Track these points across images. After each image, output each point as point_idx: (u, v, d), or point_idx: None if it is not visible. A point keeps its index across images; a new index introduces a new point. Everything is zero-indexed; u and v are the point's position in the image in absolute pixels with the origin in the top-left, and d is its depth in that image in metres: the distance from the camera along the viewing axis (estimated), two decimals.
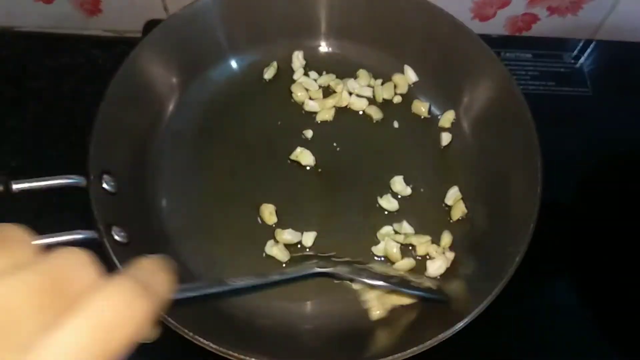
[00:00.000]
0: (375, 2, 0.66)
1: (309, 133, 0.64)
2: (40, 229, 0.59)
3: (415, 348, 0.46)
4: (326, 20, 0.68)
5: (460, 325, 0.47)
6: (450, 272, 0.57)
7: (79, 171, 0.52)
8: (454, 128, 0.65)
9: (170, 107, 0.65)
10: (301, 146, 0.63)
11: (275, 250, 0.57)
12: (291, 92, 0.67)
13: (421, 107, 0.66)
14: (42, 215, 0.64)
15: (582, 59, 0.75)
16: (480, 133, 0.64)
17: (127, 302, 0.24)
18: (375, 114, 0.66)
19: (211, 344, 0.45)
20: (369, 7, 0.66)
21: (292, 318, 0.55)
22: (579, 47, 0.77)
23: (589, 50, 0.76)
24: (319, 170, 0.63)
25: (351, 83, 0.67)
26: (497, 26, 0.79)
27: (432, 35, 0.65)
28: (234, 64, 0.69)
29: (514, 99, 0.58)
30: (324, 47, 0.70)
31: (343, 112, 0.67)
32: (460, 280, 0.56)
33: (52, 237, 0.47)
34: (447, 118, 0.65)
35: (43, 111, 0.71)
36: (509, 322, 0.59)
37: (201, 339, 0.45)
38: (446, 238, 0.59)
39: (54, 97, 0.72)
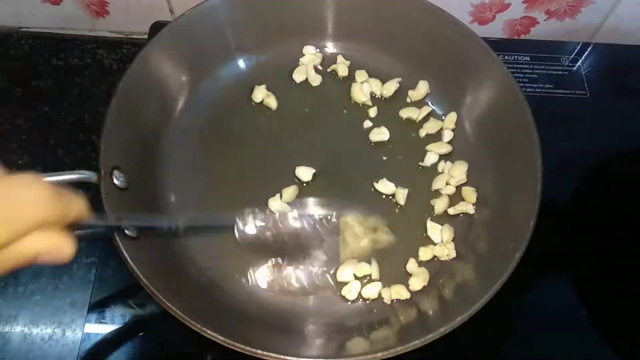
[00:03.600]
0: (381, 4, 0.67)
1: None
2: None
3: (417, 342, 0.47)
4: (333, 21, 0.69)
5: (460, 318, 0.48)
6: (450, 268, 0.58)
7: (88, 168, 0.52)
8: (456, 128, 0.66)
9: (180, 104, 0.66)
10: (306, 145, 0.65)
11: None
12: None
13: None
14: None
15: (579, 62, 0.76)
16: (481, 133, 0.65)
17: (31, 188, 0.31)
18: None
19: (218, 336, 0.46)
20: (375, 9, 0.67)
21: (297, 312, 0.56)
22: (576, 50, 0.77)
23: (586, 53, 0.77)
24: (323, 167, 0.64)
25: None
26: (495, 29, 0.80)
27: (436, 37, 0.66)
28: (241, 63, 0.70)
29: (515, 99, 0.60)
30: (330, 48, 0.71)
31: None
32: (461, 276, 0.57)
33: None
34: (450, 119, 0.66)
35: (50, 110, 0.72)
36: (508, 321, 0.60)
37: (209, 331, 0.46)
38: (447, 233, 0.60)
39: (61, 97, 0.73)
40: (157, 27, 0.73)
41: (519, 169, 0.58)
